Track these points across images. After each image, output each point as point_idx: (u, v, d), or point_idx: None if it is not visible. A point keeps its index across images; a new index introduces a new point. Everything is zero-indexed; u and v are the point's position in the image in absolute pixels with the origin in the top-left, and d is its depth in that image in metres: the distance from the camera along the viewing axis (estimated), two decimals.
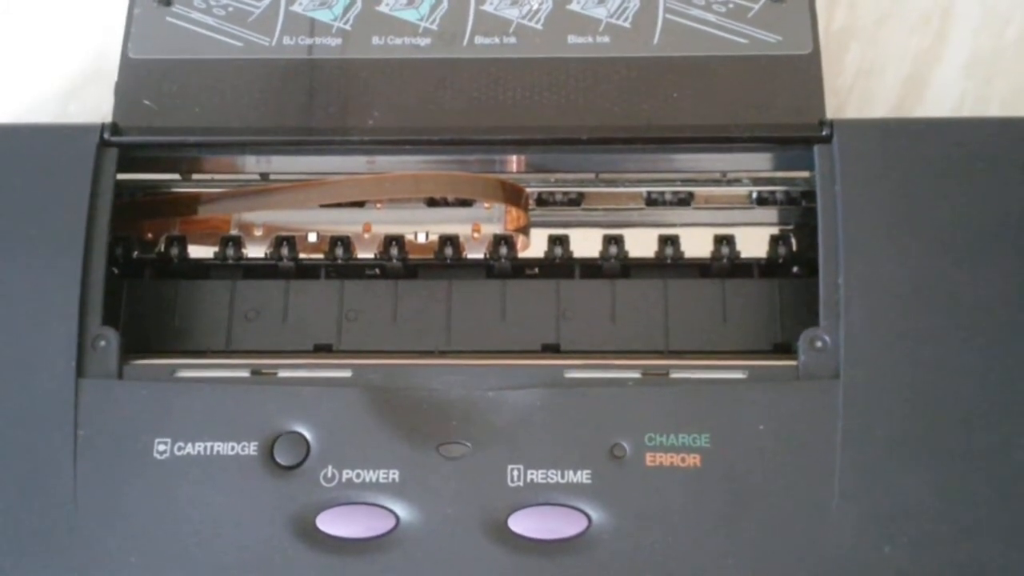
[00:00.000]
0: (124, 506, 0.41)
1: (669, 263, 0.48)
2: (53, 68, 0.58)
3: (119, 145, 0.46)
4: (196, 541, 0.41)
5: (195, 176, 0.50)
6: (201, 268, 0.49)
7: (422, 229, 0.49)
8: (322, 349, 0.47)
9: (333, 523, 0.41)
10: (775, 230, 0.49)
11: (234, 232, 0.50)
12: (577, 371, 0.43)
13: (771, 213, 0.49)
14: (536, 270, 0.49)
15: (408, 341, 0.47)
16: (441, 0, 0.51)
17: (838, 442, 0.41)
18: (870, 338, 0.42)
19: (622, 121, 0.48)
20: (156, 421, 0.42)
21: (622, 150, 0.48)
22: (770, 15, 0.50)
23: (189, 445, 0.42)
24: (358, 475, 0.41)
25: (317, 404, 0.42)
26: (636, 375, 0.43)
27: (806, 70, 0.49)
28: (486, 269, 0.49)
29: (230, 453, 0.42)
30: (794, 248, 0.48)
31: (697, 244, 0.49)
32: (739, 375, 0.43)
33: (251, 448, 0.42)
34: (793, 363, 0.43)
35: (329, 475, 0.42)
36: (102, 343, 0.43)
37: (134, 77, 0.49)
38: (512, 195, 0.48)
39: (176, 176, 0.50)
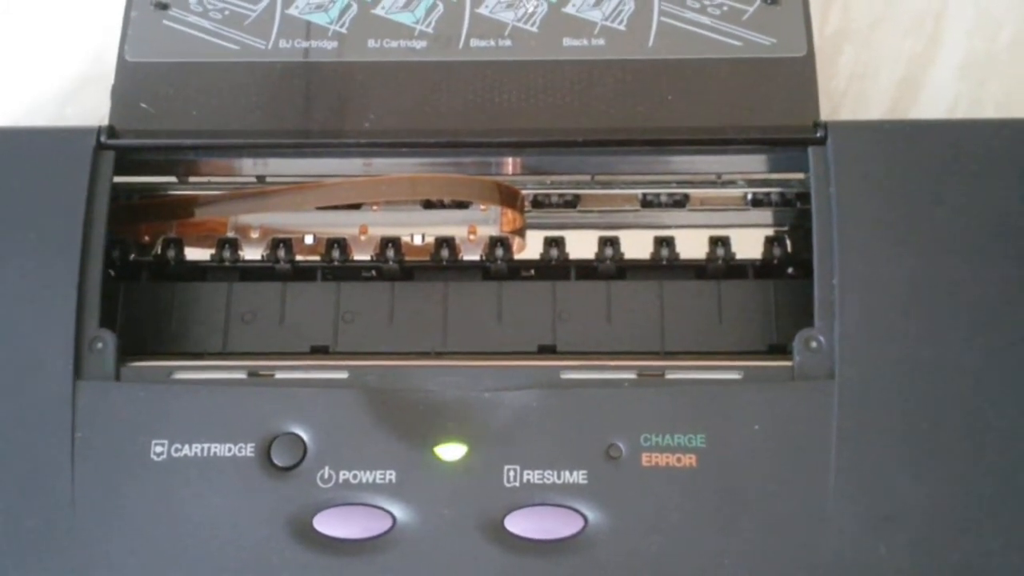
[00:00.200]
0: (122, 507, 0.41)
1: (665, 264, 0.48)
2: (51, 70, 0.59)
3: (116, 148, 0.46)
4: (193, 542, 0.41)
5: (192, 179, 0.50)
6: (198, 270, 0.49)
7: (418, 231, 0.50)
8: (319, 351, 0.47)
9: (330, 524, 0.41)
10: (770, 231, 0.49)
11: (231, 234, 0.50)
12: (573, 372, 0.44)
13: (766, 215, 0.50)
14: (532, 272, 0.49)
15: (404, 342, 0.47)
16: (437, 3, 0.51)
17: (833, 442, 0.41)
18: (865, 338, 0.42)
19: (617, 123, 0.48)
20: (153, 423, 0.42)
21: (617, 152, 0.48)
22: (764, 18, 0.50)
23: (186, 446, 0.42)
24: (355, 476, 0.41)
25: (314, 405, 0.42)
26: (632, 376, 0.43)
27: (800, 72, 0.49)
28: (482, 271, 0.49)
29: (227, 454, 0.42)
30: (789, 249, 0.49)
31: (692, 245, 0.49)
32: (735, 376, 0.43)
33: (248, 449, 0.42)
34: (788, 364, 0.43)
35: (326, 476, 0.42)
36: (99, 345, 0.43)
37: (131, 80, 0.49)
38: (508, 197, 0.49)
39: (173, 179, 0.50)
